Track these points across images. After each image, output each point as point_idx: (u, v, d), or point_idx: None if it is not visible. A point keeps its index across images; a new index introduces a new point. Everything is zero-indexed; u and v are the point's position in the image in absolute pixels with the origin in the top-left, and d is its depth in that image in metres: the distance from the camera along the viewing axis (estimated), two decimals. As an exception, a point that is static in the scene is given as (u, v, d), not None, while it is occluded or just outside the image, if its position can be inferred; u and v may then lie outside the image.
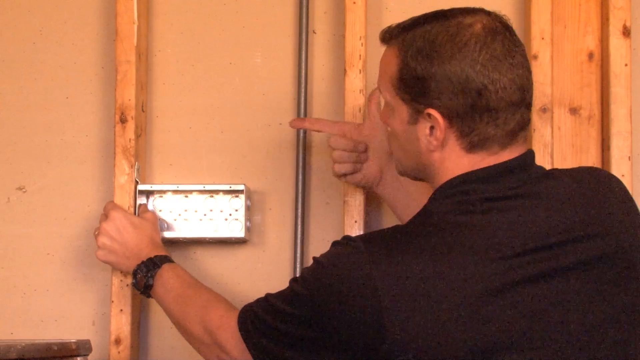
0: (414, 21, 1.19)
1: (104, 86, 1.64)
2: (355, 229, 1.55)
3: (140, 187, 1.57)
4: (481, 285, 1.07)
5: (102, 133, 1.64)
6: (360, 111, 1.57)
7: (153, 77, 1.65)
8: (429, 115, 1.15)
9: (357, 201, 1.56)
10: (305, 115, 1.62)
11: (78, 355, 1.34)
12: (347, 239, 1.15)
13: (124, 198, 1.56)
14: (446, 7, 1.62)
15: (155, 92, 1.65)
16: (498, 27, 1.15)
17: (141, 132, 1.61)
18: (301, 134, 1.61)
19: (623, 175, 1.54)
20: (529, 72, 1.17)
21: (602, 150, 1.60)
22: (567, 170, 1.23)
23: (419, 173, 1.23)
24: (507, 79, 1.13)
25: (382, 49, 1.65)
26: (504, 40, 1.14)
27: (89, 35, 1.66)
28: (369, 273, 1.08)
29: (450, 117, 1.14)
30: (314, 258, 1.16)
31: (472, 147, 1.15)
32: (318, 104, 1.64)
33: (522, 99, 1.15)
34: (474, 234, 1.09)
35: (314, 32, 1.65)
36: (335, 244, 1.16)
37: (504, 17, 1.18)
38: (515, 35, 1.17)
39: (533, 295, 1.08)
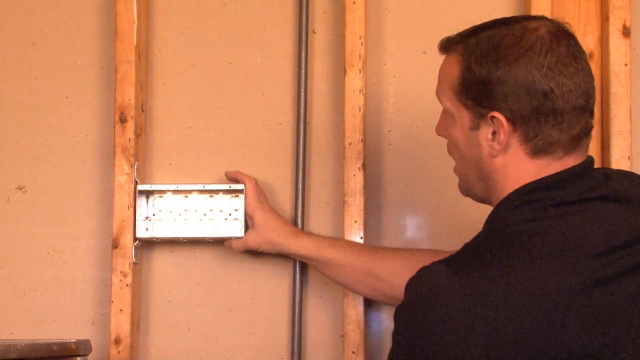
0: (475, 28, 1.18)
1: (104, 86, 1.64)
2: (355, 229, 1.55)
3: (140, 187, 1.57)
4: (567, 289, 1.03)
5: (102, 133, 1.64)
6: (359, 111, 1.57)
7: (153, 76, 1.65)
8: (493, 119, 1.13)
9: (357, 201, 1.56)
10: (305, 114, 1.62)
11: (78, 355, 1.33)
12: (429, 276, 1.07)
13: (123, 198, 1.56)
14: (446, 8, 1.64)
15: (155, 91, 1.65)
16: (562, 33, 1.15)
17: (141, 132, 1.61)
18: (301, 134, 1.61)
19: (623, 175, 1.54)
20: (593, 79, 1.16)
21: (602, 150, 1.60)
22: (619, 171, 1.23)
23: (481, 183, 1.19)
24: (572, 83, 1.12)
25: (381, 49, 1.65)
26: (569, 45, 1.14)
27: (89, 35, 1.66)
28: (467, 306, 1.03)
29: (515, 120, 1.12)
30: (400, 315, 1.08)
31: (536, 151, 1.13)
32: (318, 103, 1.64)
33: (587, 104, 1.14)
34: (552, 240, 1.07)
35: (313, 32, 1.65)
36: (417, 285, 1.07)
37: (566, 24, 1.17)
38: (578, 43, 1.17)
39: (615, 294, 1.05)
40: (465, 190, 1.25)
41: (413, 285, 1.07)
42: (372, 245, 1.57)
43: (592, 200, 1.12)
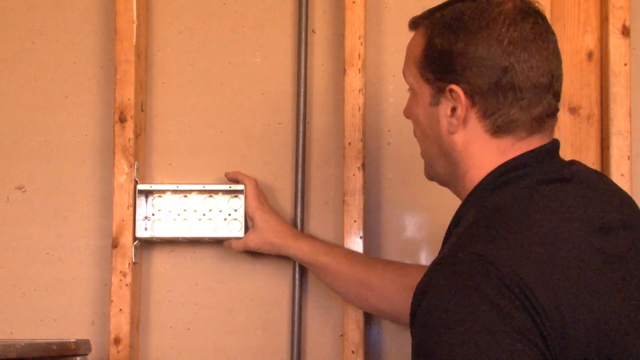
0: (443, 3, 1.16)
1: (104, 86, 1.64)
2: (355, 229, 1.55)
3: (140, 186, 1.57)
4: (584, 252, 1.01)
5: (102, 132, 1.64)
6: (359, 110, 1.57)
7: (152, 76, 1.65)
8: (451, 92, 1.11)
9: (356, 201, 1.56)
10: (305, 114, 1.62)
11: (77, 355, 1.33)
12: (439, 268, 1.02)
13: (123, 197, 1.56)
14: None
15: (154, 91, 1.65)
16: (530, 10, 1.12)
17: (140, 132, 1.61)
18: (300, 134, 1.61)
19: (622, 175, 1.54)
20: (560, 61, 1.13)
21: (602, 150, 1.60)
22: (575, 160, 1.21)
23: (443, 163, 1.16)
24: (535, 60, 1.10)
25: (381, 48, 1.65)
26: (535, 23, 1.11)
27: (88, 34, 1.66)
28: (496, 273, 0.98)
29: (473, 95, 1.10)
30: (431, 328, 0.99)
31: (496, 130, 1.11)
32: (317, 103, 1.64)
33: (550, 85, 1.11)
34: (551, 213, 1.04)
35: (313, 31, 1.65)
36: (432, 280, 1.01)
37: (537, 3, 1.15)
38: (548, 24, 1.14)
39: (620, 271, 1.04)
40: (430, 174, 1.23)
41: (429, 279, 1.02)
42: (367, 255, 1.56)
43: (568, 180, 1.10)
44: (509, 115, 1.10)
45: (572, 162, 1.15)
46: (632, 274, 1.05)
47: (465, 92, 1.11)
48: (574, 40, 1.62)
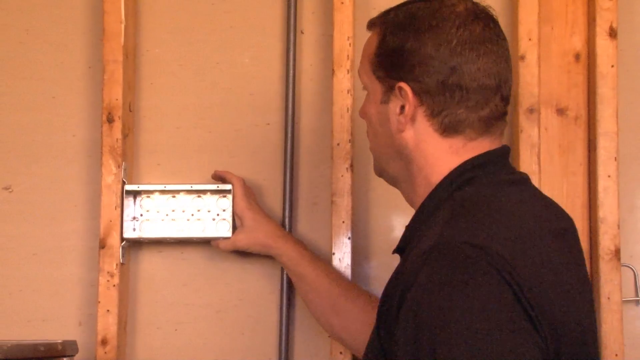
0: (398, 4, 1.19)
1: (91, 86, 1.64)
2: (343, 230, 1.55)
3: (128, 187, 1.57)
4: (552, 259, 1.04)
5: (89, 133, 1.63)
6: (348, 111, 1.57)
7: (141, 76, 1.65)
8: (400, 90, 1.13)
9: (345, 202, 1.56)
10: (293, 115, 1.62)
11: (64, 356, 1.33)
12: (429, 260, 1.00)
13: (111, 198, 1.56)
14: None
15: (143, 91, 1.65)
16: (481, 13, 1.14)
17: (128, 132, 1.60)
18: (289, 134, 1.61)
19: (609, 176, 1.54)
20: (509, 66, 1.15)
21: (589, 151, 1.60)
22: None
23: (396, 162, 1.17)
24: (483, 62, 1.11)
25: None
26: (486, 26, 1.13)
27: (76, 34, 1.66)
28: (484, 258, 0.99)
29: (421, 93, 1.12)
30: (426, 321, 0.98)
31: (445, 130, 1.12)
32: (306, 104, 1.64)
33: (497, 87, 1.13)
34: (521, 215, 1.06)
35: (302, 32, 1.65)
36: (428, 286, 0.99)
37: (491, 9, 1.16)
38: (500, 29, 1.16)
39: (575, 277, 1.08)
40: (379, 170, 1.23)
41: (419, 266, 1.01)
42: (352, 282, 1.53)
43: (522, 183, 1.13)
44: (456, 115, 1.12)
45: (519, 171, 1.20)
46: (585, 276, 1.11)
47: (413, 90, 1.12)
48: (561, 42, 1.63)
